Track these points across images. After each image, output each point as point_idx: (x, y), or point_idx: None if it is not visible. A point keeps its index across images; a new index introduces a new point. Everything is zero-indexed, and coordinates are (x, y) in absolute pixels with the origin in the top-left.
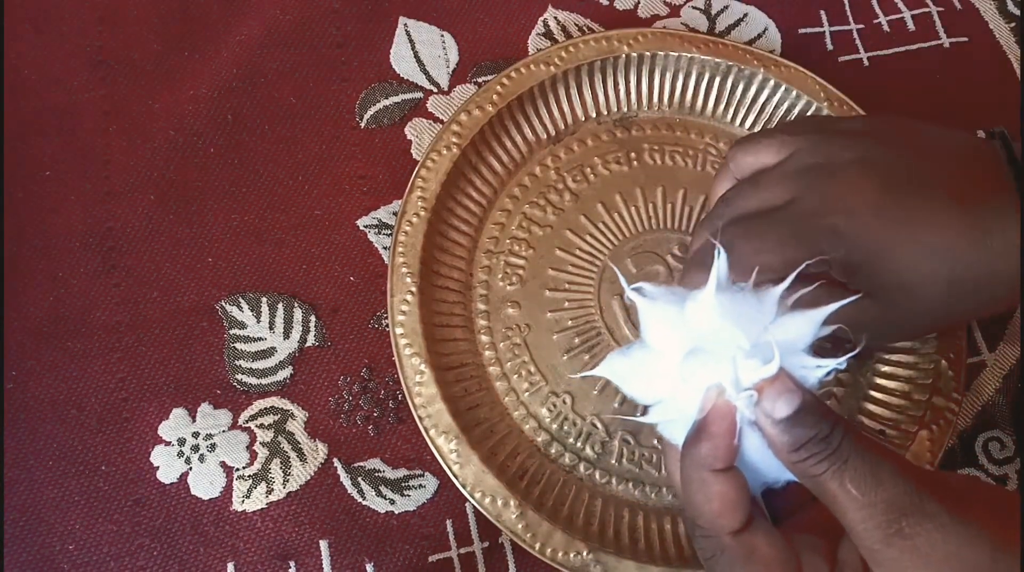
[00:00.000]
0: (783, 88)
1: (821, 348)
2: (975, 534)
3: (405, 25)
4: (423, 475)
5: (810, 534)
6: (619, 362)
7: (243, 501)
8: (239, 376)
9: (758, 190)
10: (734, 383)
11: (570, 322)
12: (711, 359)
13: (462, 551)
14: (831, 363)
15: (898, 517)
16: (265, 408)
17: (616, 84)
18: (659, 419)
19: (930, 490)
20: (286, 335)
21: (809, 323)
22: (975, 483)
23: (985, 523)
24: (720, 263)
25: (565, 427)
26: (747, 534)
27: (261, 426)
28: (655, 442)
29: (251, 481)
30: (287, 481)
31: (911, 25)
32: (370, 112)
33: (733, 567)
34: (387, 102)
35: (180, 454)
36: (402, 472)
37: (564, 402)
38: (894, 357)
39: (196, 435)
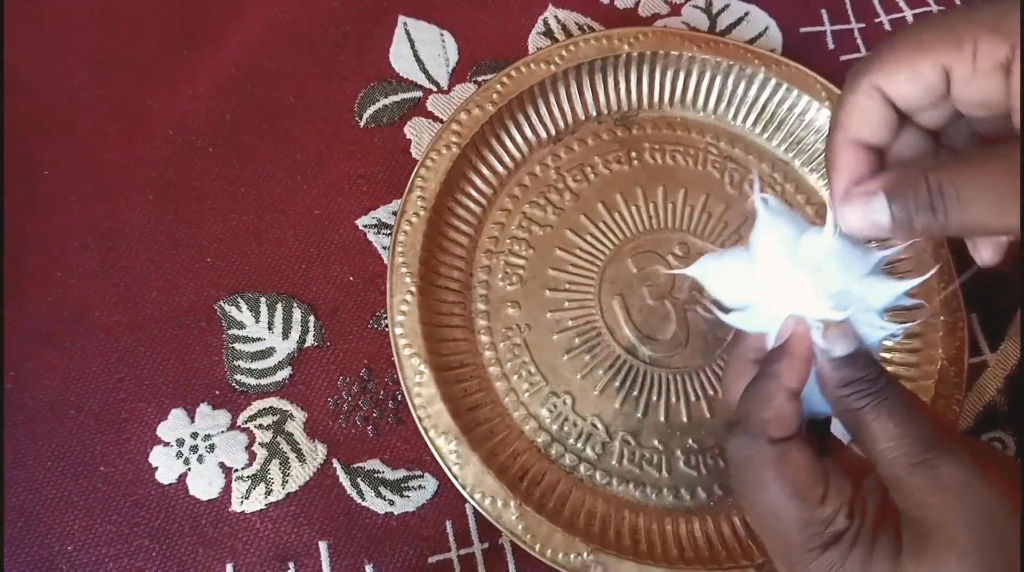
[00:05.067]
0: (784, 87)
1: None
2: (988, 478)
3: (404, 24)
4: (423, 476)
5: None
6: (714, 264)
7: (242, 502)
8: (238, 376)
9: None
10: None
11: (570, 322)
12: (804, 289)
13: (462, 552)
14: (893, 328)
15: (925, 449)
16: (264, 409)
17: (617, 83)
18: (740, 324)
19: (954, 436)
20: (285, 335)
21: (892, 290)
22: (988, 446)
23: (995, 476)
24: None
25: (565, 428)
26: (784, 444)
27: (260, 427)
28: (655, 443)
29: (250, 482)
30: (286, 482)
31: None
32: (369, 111)
33: (765, 467)
34: (386, 101)
35: (179, 455)
36: (402, 473)
37: (564, 403)
38: (896, 357)
39: (195, 436)
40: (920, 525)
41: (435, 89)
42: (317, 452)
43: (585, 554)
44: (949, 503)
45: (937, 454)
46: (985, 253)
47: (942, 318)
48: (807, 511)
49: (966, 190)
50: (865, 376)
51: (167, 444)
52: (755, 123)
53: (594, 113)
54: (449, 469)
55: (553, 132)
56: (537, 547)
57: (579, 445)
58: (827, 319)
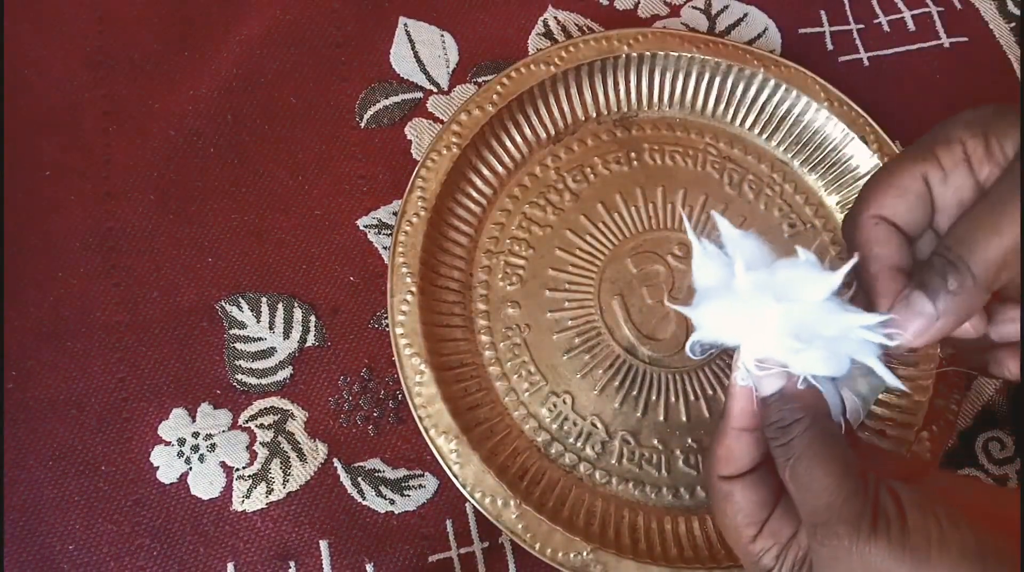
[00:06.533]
0: (783, 88)
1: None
2: (874, 562)
3: (405, 25)
4: (423, 475)
5: None
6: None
7: (243, 501)
8: (239, 376)
9: None
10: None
11: (570, 322)
12: (742, 327)
13: (462, 551)
14: (862, 389)
15: (814, 523)
16: (265, 408)
17: (616, 84)
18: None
19: (861, 512)
20: (286, 335)
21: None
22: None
23: (899, 548)
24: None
25: (565, 427)
26: (729, 482)
27: (261, 426)
28: (655, 442)
29: (251, 481)
30: (287, 481)
31: (911, 25)
32: (370, 112)
33: (716, 498)
34: (387, 102)
35: (180, 454)
36: (402, 472)
37: (564, 402)
38: (895, 357)
39: (196, 435)
40: None
41: (435, 90)
42: (318, 451)
43: (585, 553)
44: None
45: (825, 532)
46: (1012, 366)
47: None
48: (743, 545)
49: (966, 236)
50: (777, 422)
51: (168, 443)
52: (754, 124)
53: (594, 114)
54: (449, 468)
55: (553, 133)
56: (537, 546)
57: (579, 444)
58: (746, 364)
